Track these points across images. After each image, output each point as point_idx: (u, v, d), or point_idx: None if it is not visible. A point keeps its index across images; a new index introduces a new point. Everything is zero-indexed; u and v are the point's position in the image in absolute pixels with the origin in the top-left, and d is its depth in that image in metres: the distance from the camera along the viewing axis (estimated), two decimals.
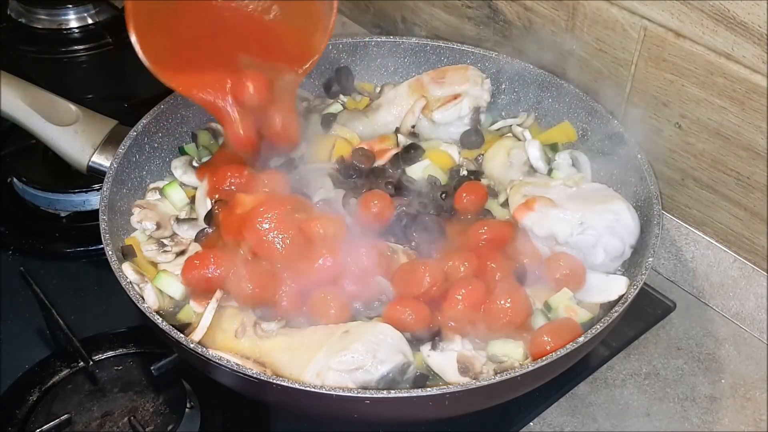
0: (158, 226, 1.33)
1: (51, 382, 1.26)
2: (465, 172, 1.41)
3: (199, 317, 1.19)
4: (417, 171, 1.41)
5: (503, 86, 1.55)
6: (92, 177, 1.40)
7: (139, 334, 1.31)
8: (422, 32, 1.74)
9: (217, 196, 1.33)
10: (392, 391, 1.05)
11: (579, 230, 1.26)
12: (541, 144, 1.42)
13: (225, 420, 1.21)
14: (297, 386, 1.04)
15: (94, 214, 1.29)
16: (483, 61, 1.54)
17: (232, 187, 1.34)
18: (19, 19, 1.94)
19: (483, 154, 1.46)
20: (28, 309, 1.34)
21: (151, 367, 1.18)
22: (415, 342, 1.17)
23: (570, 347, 1.07)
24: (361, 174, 1.40)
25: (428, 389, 1.04)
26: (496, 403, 1.17)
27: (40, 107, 1.39)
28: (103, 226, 1.23)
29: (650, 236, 1.23)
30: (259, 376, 1.05)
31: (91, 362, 1.26)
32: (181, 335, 1.10)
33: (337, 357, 1.09)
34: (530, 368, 1.05)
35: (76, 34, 1.92)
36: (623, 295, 1.17)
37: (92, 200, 1.52)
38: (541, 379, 1.15)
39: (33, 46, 1.91)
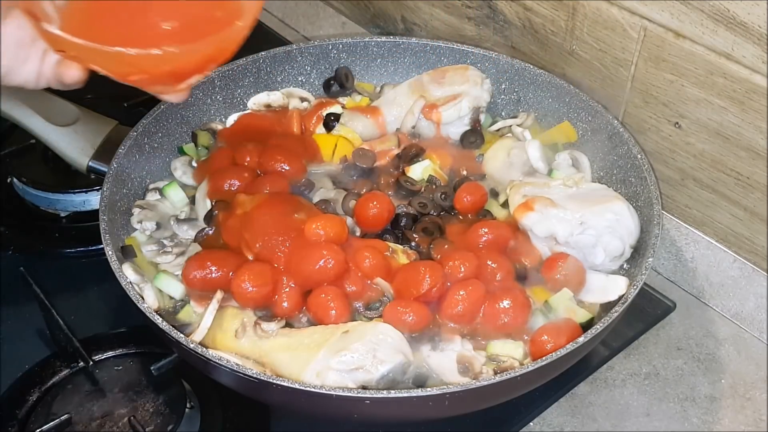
0: (158, 226, 1.33)
1: (51, 382, 1.25)
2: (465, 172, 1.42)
3: (200, 317, 1.19)
4: (417, 171, 1.41)
5: (503, 86, 1.55)
6: (92, 177, 1.40)
7: (139, 334, 1.30)
8: (422, 32, 1.74)
9: (217, 197, 1.34)
10: (392, 391, 1.04)
11: (579, 230, 1.26)
12: (541, 144, 1.42)
13: (225, 420, 1.21)
14: (297, 386, 1.04)
15: (94, 214, 1.29)
16: (483, 61, 1.54)
17: (232, 188, 1.34)
18: None
19: (483, 154, 1.46)
20: (28, 309, 1.34)
21: (151, 367, 1.18)
22: (415, 342, 1.17)
23: (570, 347, 1.07)
24: (361, 174, 1.40)
25: (428, 389, 1.03)
26: (496, 403, 1.17)
27: (40, 107, 1.39)
28: (103, 226, 1.23)
29: (650, 236, 1.23)
30: (259, 376, 1.05)
31: (91, 362, 1.26)
32: (181, 335, 1.10)
33: (337, 357, 1.09)
34: (530, 368, 1.05)
35: None
36: (623, 295, 1.17)
37: (92, 200, 1.51)
38: (541, 379, 1.15)
39: None
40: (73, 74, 1.01)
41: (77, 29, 0.96)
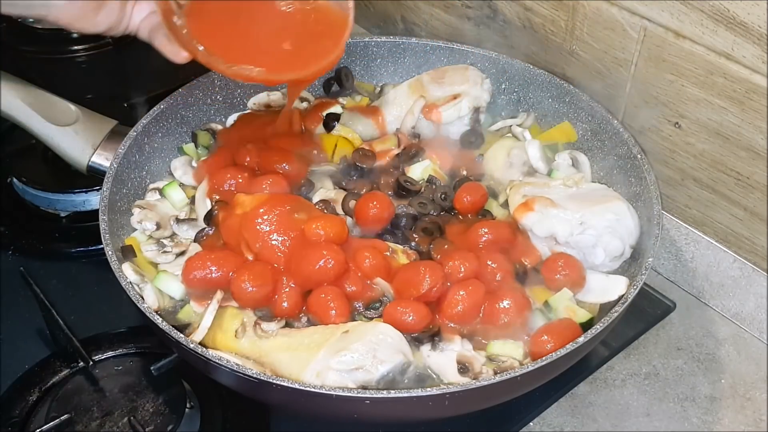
0: (158, 226, 1.33)
1: (51, 382, 1.26)
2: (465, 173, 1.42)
3: (200, 317, 1.19)
4: (417, 171, 1.41)
5: (503, 86, 1.55)
6: (92, 177, 1.40)
7: (139, 334, 1.31)
8: (422, 32, 1.74)
9: (216, 197, 1.34)
10: (392, 391, 1.05)
11: (579, 230, 1.26)
12: (541, 144, 1.42)
13: (225, 420, 1.22)
14: (297, 386, 1.04)
15: (94, 214, 1.29)
16: (483, 61, 1.54)
17: (232, 188, 1.34)
18: (19, 19, 1.94)
19: (483, 154, 1.46)
20: (28, 309, 1.34)
21: (151, 367, 1.18)
22: (415, 342, 1.17)
23: (570, 347, 1.07)
24: (361, 174, 1.40)
25: (428, 389, 1.04)
26: (496, 403, 1.17)
27: (40, 107, 1.39)
28: (103, 226, 1.23)
29: (650, 236, 1.23)
30: (259, 376, 1.05)
31: (91, 362, 1.26)
32: (181, 335, 1.10)
33: (337, 357, 1.09)
34: (530, 368, 1.05)
35: (76, 34, 1.92)
36: (623, 295, 1.17)
37: (92, 200, 1.52)
38: (541, 379, 1.15)
39: (33, 46, 1.91)
40: (182, 57, 1.20)
41: (199, 29, 1.16)
